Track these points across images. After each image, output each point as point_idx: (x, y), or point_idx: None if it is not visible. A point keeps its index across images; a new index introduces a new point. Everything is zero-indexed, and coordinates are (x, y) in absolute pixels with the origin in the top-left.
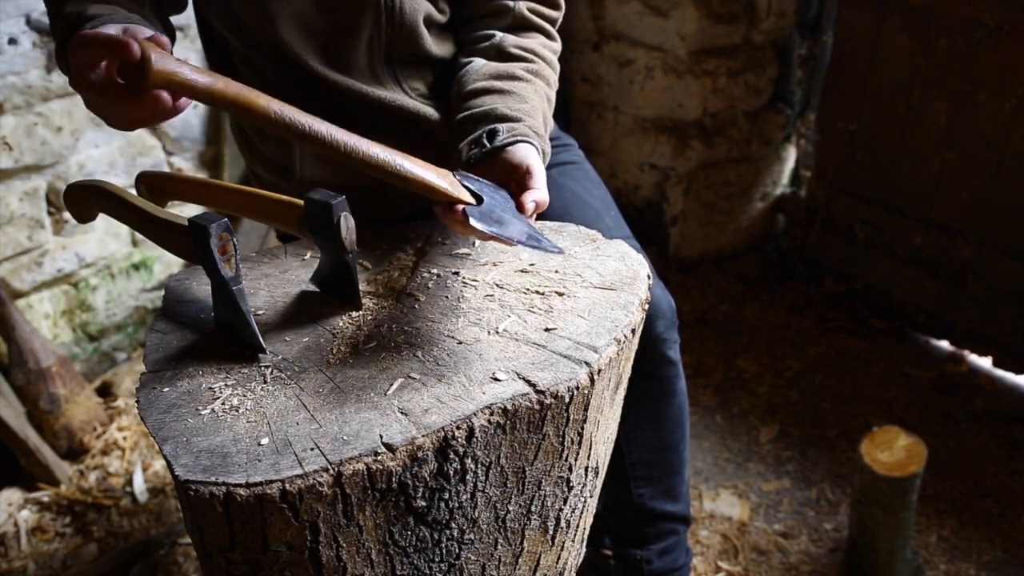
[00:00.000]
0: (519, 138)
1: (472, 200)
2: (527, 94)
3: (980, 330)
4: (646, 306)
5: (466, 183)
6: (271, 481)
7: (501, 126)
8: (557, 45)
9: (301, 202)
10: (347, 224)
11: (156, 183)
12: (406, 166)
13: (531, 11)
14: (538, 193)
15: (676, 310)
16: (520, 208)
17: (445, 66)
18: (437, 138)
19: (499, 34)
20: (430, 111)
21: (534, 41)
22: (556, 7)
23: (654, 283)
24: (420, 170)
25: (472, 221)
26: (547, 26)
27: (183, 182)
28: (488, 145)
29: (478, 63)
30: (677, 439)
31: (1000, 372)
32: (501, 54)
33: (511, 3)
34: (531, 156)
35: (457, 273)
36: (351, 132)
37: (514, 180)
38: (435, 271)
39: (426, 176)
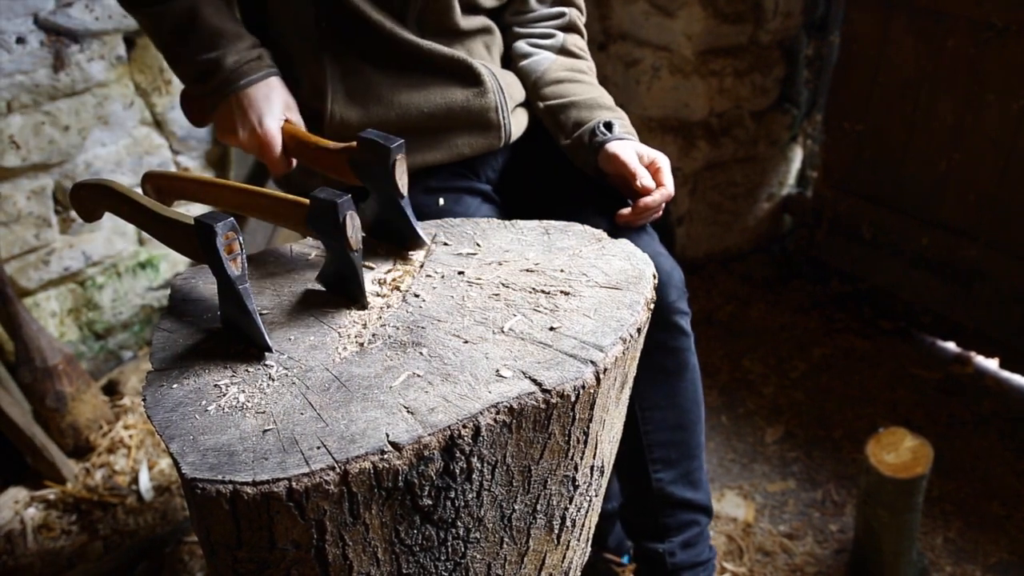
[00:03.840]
0: (625, 136)
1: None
2: (596, 83)
3: (987, 331)
4: (651, 305)
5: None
6: (278, 479)
7: (613, 120)
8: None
9: (306, 201)
10: (352, 223)
11: (162, 183)
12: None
13: (576, 17)
14: (667, 191)
15: (685, 281)
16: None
17: (474, 36)
18: (468, 82)
19: (559, 34)
20: (461, 55)
21: (580, 41)
22: (583, 11)
23: (664, 257)
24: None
25: None
26: (582, 27)
27: (189, 182)
28: (608, 133)
29: (548, 55)
30: (693, 418)
31: (1007, 374)
32: (565, 51)
33: (567, 9)
34: (629, 154)
35: (462, 272)
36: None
37: (622, 175)
38: (440, 270)
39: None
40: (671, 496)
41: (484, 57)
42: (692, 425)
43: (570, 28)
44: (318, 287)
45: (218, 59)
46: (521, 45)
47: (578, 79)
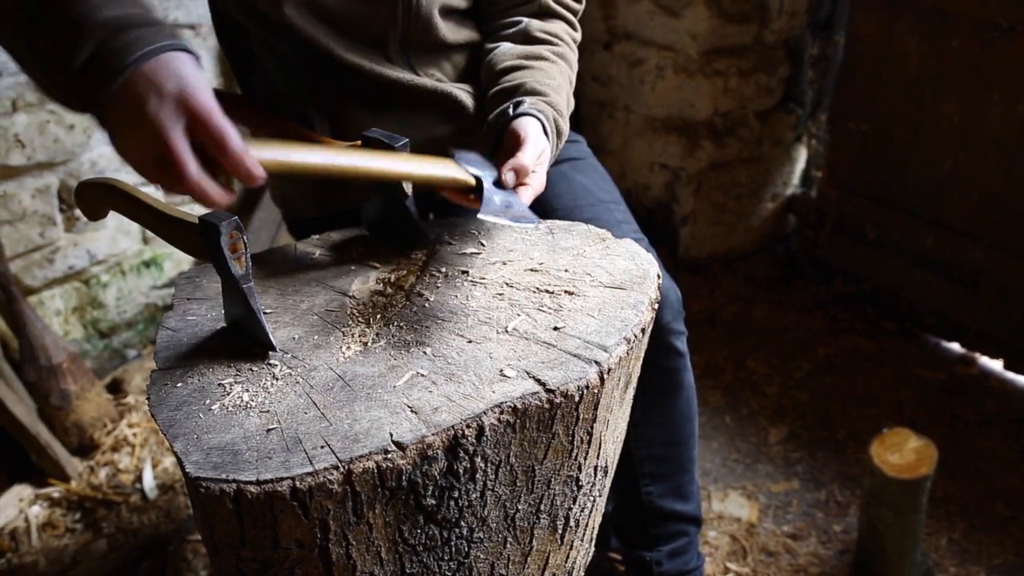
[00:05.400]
0: (531, 111)
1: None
2: (553, 72)
3: (991, 332)
4: (656, 305)
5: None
6: (281, 479)
7: (527, 99)
8: (578, 35)
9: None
10: None
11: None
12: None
13: (556, 1)
14: (518, 160)
15: (682, 301)
16: (499, 178)
17: (461, 51)
18: (460, 117)
19: (525, 19)
20: (450, 89)
21: (558, 27)
22: None
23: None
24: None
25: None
26: (570, 16)
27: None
28: (511, 114)
29: (506, 46)
30: (686, 435)
31: (1011, 374)
32: (528, 38)
33: None
34: (530, 127)
35: (466, 272)
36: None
37: (508, 149)
38: (444, 270)
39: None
40: (660, 509)
41: (473, 74)
42: (685, 441)
43: (542, 13)
44: (322, 286)
45: (84, 15)
46: (488, 43)
47: (525, 65)
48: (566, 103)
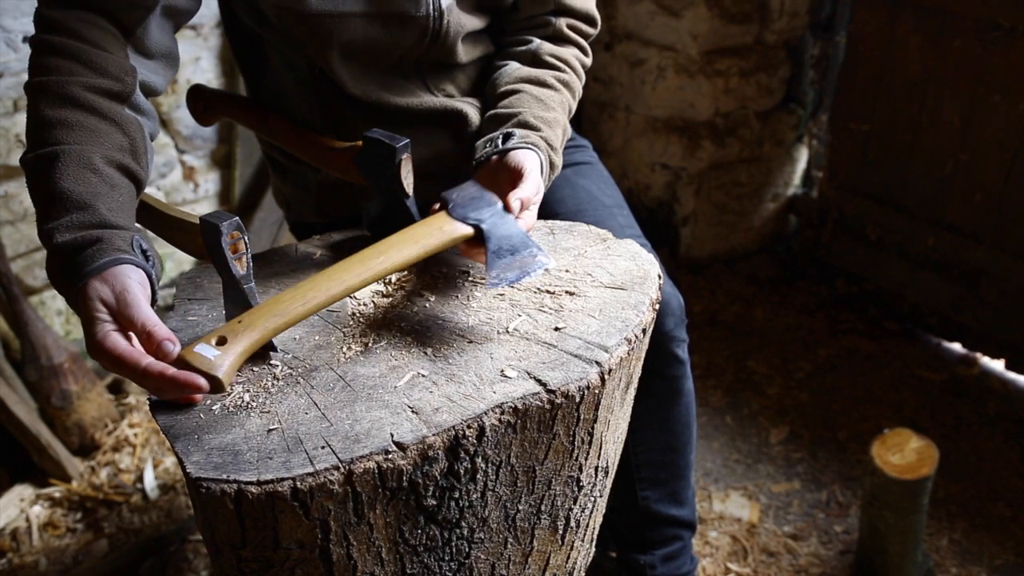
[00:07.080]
0: (527, 146)
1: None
2: (553, 103)
3: (993, 333)
4: (656, 306)
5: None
6: (282, 479)
7: (517, 131)
8: (589, 60)
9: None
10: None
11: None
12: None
13: (570, 27)
14: (523, 191)
15: (685, 308)
16: (507, 208)
17: (475, 64)
18: (466, 131)
19: (536, 40)
20: (458, 105)
21: (568, 52)
22: (593, 24)
23: (664, 281)
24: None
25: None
26: (582, 41)
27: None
28: (500, 147)
29: (513, 66)
30: (684, 441)
31: (1012, 375)
32: (536, 60)
33: (552, 19)
34: (529, 161)
35: (467, 272)
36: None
37: (508, 181)
38: (445, 270)
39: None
40: (656, 513)
41: (484, 86)
42: (683, 447)
43: (555, 38)
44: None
45: (49, 232)
46: (497, 59)
47: (525, 91)
48: (560, 137)
